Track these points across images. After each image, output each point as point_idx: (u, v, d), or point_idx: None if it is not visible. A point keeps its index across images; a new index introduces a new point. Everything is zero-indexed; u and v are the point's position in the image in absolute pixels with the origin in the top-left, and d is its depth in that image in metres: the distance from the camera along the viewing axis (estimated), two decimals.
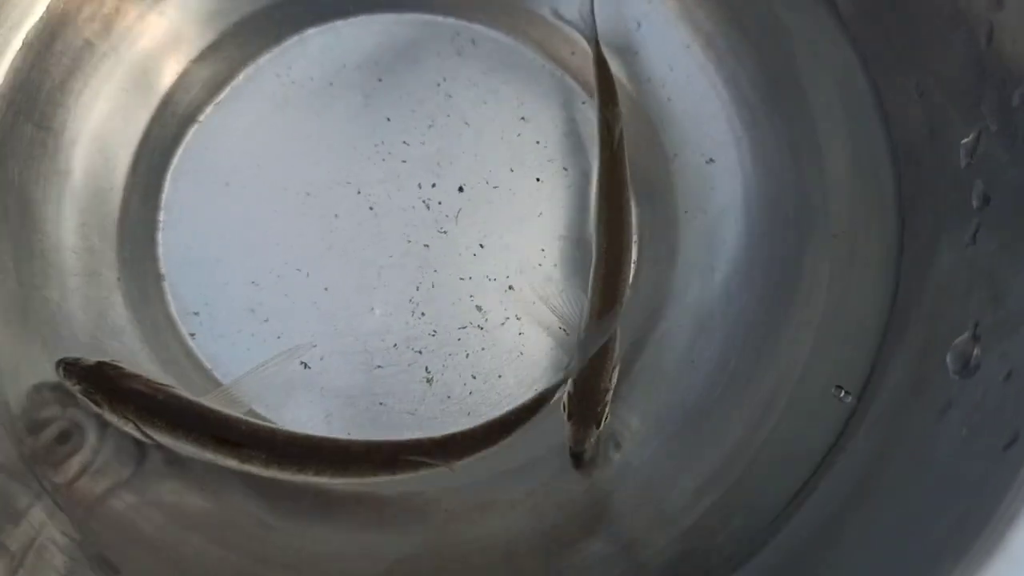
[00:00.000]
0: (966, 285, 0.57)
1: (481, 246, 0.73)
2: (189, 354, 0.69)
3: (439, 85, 0.76)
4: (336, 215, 0.73)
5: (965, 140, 0.60)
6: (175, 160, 0.73)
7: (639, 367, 0.71)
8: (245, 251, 0.72)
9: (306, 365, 0.69)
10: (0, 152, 0.67)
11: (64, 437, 0.64)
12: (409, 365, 0.70)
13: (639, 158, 0.74)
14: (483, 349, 0.71)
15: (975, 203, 0.58)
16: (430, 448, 0.62)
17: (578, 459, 0.63)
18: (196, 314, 0.70)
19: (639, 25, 0.77)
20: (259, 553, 0.64)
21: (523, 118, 0.76)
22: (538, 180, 0.75)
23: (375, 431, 0.68)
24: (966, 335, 0.55)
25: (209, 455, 0.61)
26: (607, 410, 0.63)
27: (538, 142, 0.76)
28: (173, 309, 0.70)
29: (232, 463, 0.61)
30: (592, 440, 0.62)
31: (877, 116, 0.69)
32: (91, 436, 0.64)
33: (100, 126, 0.72)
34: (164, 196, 0.72)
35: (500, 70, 0.77)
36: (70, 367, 0.63)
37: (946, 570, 0.43)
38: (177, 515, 0.64)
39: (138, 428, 0.61)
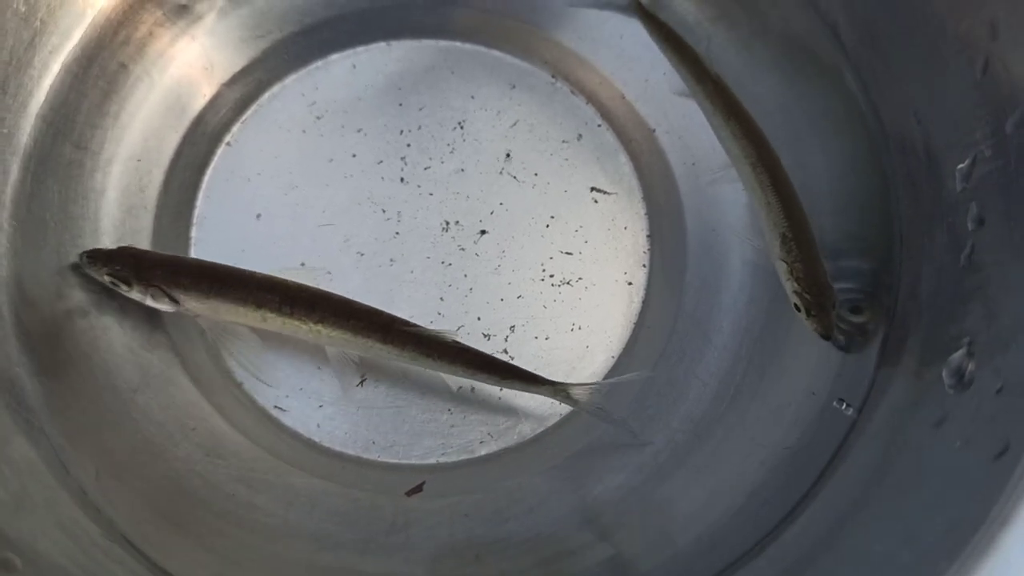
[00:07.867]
0: (961, 303, 0.59)
1: (501, 262, 0.75)
2: (220, 366, 0.72)
3: (458, 109, 0.79)
4: (360, 233, 0.75)
5: (961, 165, 0.61)
6: (206, 179, 0.76)
7: (651, 383, 0.73)
8: (273, 265, 0.72)
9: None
10: (41, 171, 0.69)
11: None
12: (434, 377, 0.72)
13: (649, 177, 0.77)
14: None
15: (970, 225, 0.60)
16: (429, 335, 0.66)
17: (834, 341, 0.67)
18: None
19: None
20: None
21: (540, 139, 0.78)
22: (558, 194, 0.77)
23: (398, 437, 0.71)
24: (961, 351, 0.56)
25: (228, 305, 0.65)
26: (834, 292, 0.66)
27: (555, 161, 0.78)
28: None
29: (248, 310, 0.65)
30: (834, 322, 0.65)
31: (878, 141, 0.71)
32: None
33: (135, 146, 0.74)
34: (196, 213, 0.75)
35: (517, 93, 0.79)
36: (93, 255, 0.66)
37: (941, 570, 0.45)
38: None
39: (164, 292, 0.65)
